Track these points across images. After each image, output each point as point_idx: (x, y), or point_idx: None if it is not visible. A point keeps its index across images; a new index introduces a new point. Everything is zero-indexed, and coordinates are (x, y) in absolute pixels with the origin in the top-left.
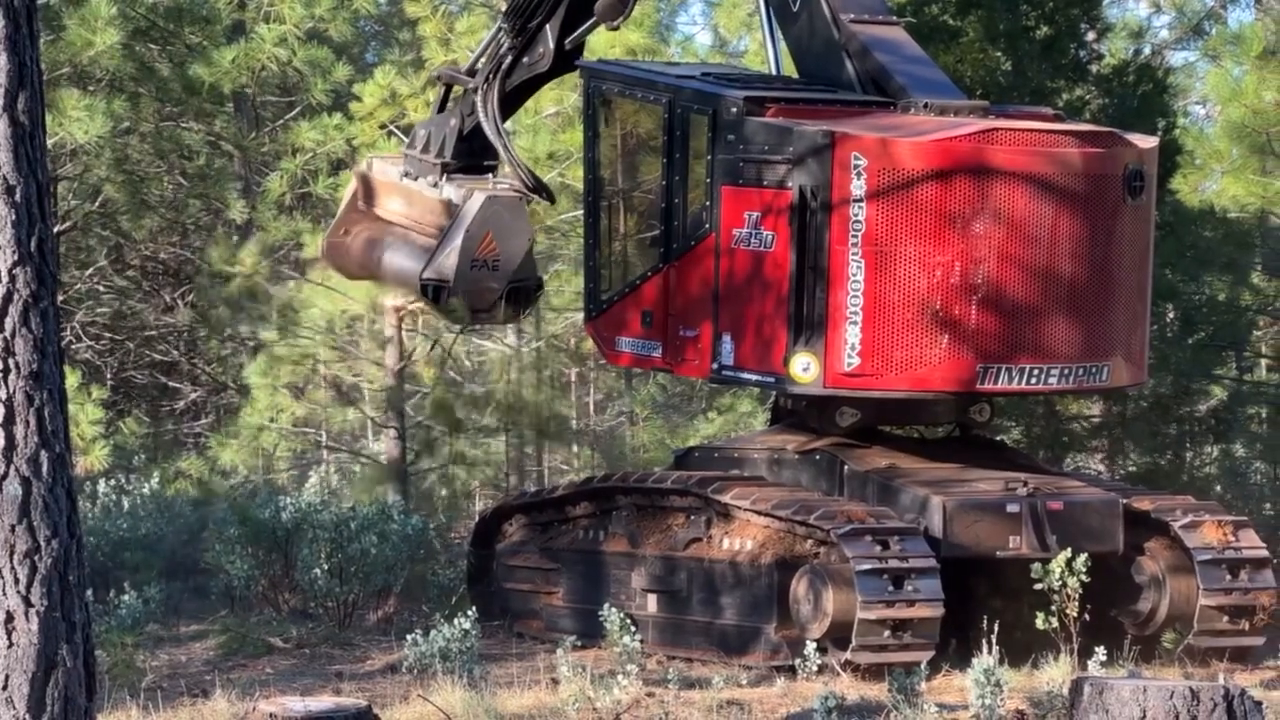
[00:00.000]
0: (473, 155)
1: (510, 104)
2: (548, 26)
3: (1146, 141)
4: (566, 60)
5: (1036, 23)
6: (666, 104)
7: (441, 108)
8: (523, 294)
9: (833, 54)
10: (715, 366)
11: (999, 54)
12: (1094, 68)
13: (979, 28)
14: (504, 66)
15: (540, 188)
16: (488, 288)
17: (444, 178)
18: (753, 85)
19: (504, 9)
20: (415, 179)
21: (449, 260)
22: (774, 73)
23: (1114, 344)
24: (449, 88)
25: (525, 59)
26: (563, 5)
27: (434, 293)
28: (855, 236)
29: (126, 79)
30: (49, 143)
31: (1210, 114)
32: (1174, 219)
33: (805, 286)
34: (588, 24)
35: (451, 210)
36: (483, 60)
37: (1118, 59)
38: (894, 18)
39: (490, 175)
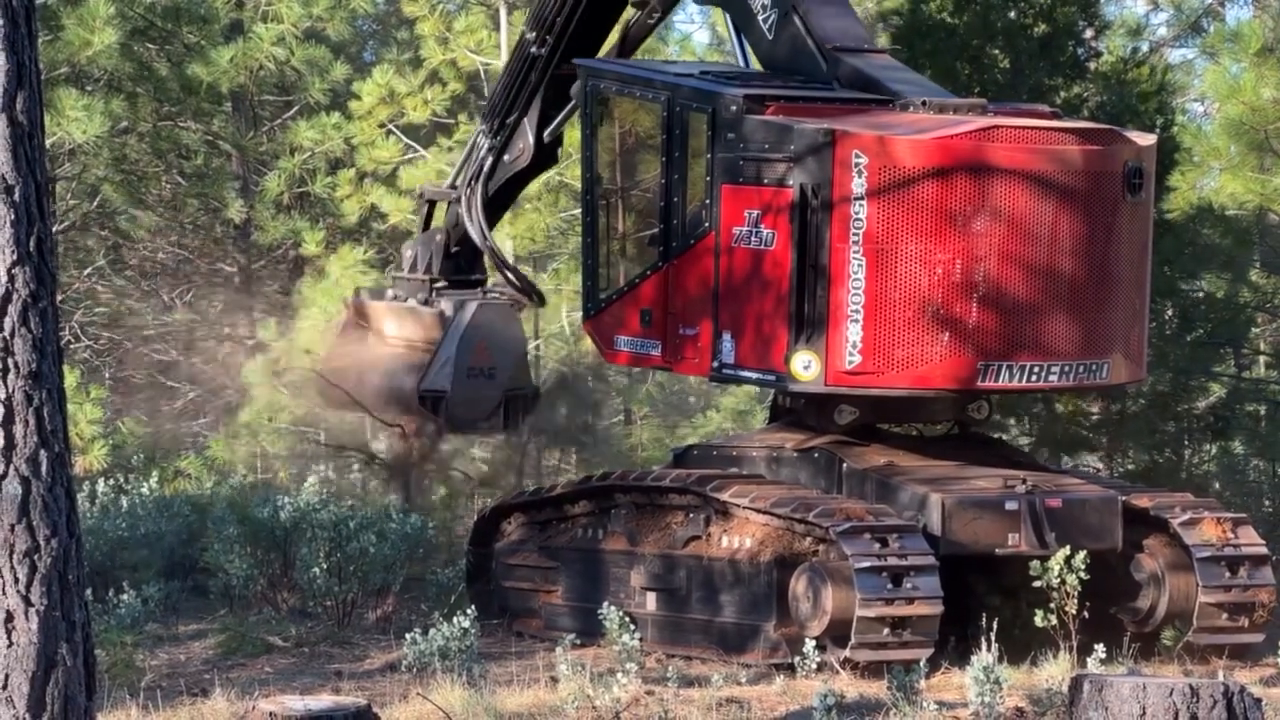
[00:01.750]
0: (460, 270)
1: (495, 208)
2: (525, 121)
3: (1145, 139)
4: (548, 153)
5: (1034, 20)
6: (665, 102)
7: (426, 226)
8: (519, 403)
9: (817, 74)
10: (715, 365)
11: (996, 51)
12: (1092, 65)
13: (976, 25)
14: (485, 169)
15: (530, 290)
16: (485, 396)
17: (434, 294)
18: (752, 83)
19: (481, 114)
20: (405, 299)
21: (445, 370)
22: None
23: (1113, 341)
24: (432, 205)
25: (506, 157)
26: (538, 98)
27: (432, 404)
28: (856, 234)
29: (124, 78)
30: (47, 142)
31: (1208, 111)
32: (1172, 216)
33: (806, 284)
34: (566, 110)
35: (444, 322)
36: (463, 170)
37: (1116, 56)
38: (880, 47)
39: (480, 289)
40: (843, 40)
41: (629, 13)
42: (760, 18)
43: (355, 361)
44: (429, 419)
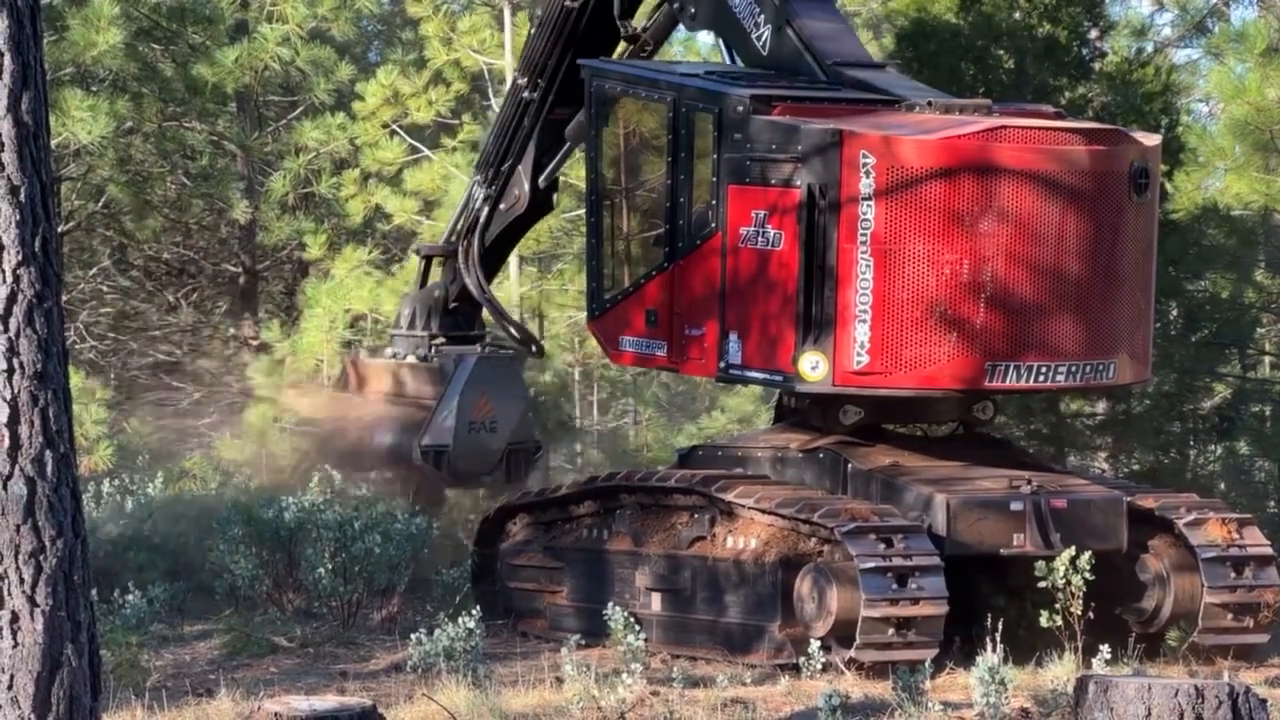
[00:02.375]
0: (459, 326)
1: (493, 259)
2: (520, 168)
3: (1151, 139)
4: (544, 199)
5: (1039, 20)
6: (671, 102)
7: (423, 282)
8: (522, 456)
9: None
10: (722, 365)
11: (1001, 52)
12: (1097, 65)
13: (981, 25)
14: (481, 220)
15: (530, 341)
16: (488, 450)
17: (433, 350)
18: (758, 83)
19: (474, 164)
20: (404, 356)
21: (446, 424)
22: None
23: (1119, 341)
24: (429, 262)
25: (502, 205)
26: (532, 143)
27: (434, 458)
28: (864, 235)
29: (130, 79)
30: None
31: (1213, 111)
32: (1177, 216)
33: (813, 285)
34: (560, 154)
35: (444, 378)
36: (459, 223)
37: (1121, 56)
38: (879, 61)
39: (480, 343)
40: (841, 55)
41: (621, 47)
42: (754, 35)
43: (355, 420)
44: (432, 474)
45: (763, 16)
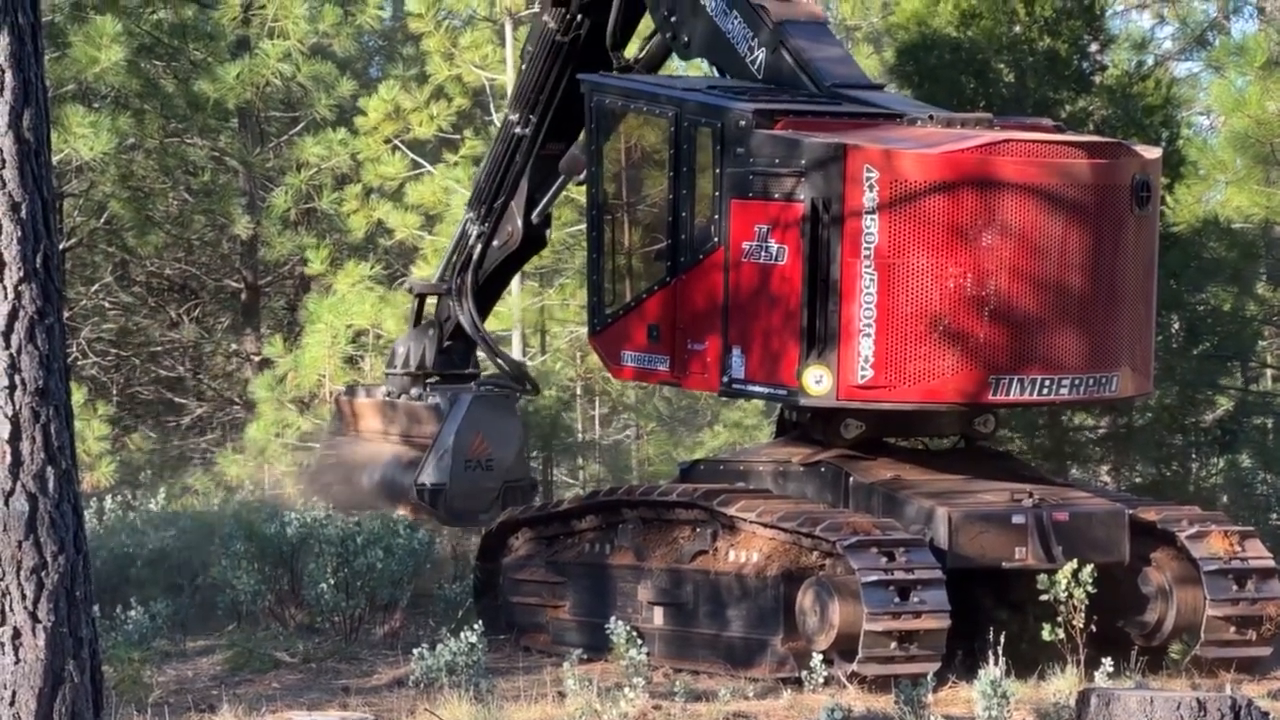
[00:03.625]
0: (453, 365)
1: (486, 296)
2: (513, 204)
3: (1152, 152)
4: (537, 235)
5: (1039, 34)
6: (673, 117)
7: (417, 321)
8: (518, 494)
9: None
10: (725, 380)
11: (1002, 65)
12: (1097, 79)
13: (981, 39)
14: (474, 257)
15: (524, 379)
16: (484, 488)
17: (427, 389)
18: (760, 98)
19: (467, 202)
20: (398, 395)
21: (442, 463)
22: None
23: (1122, 354)
24: (422, 300)
25: (495, 242)
26: (525, 179)
27: (430, 497)
28: (867, 249)
29: (131, 95)
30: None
31: (1214, 125)
32: (1179, 229)
33: (817, 299)
34: (553, 190)
35: (439, 416)
36: (452, 260)
37: (1121, 70)
38: (878, 82)
39: (474, 381)
40: (837, 77)
41: None
42: (749, 60)
43: (350, 460)
44: (428, 513)
45: (757, 41)
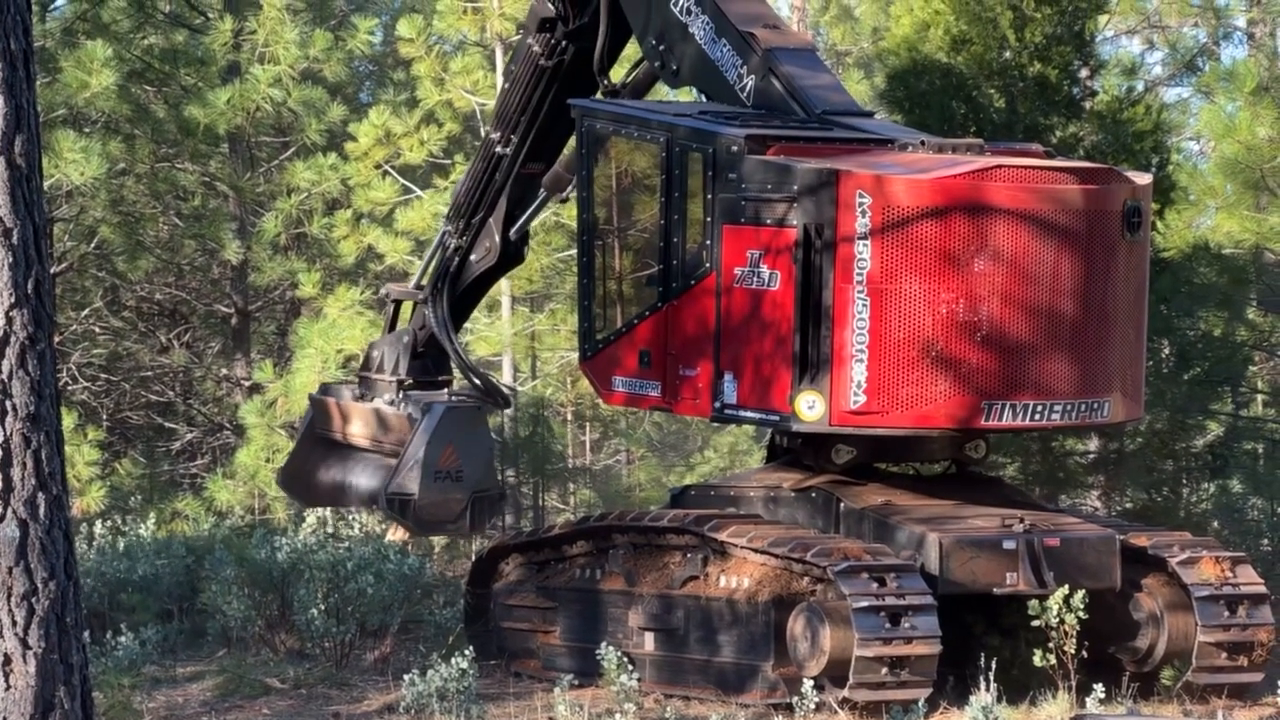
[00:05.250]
0: (426, 372)
1: (462, 308)
2: (491, 220)
3: (1142, 178)
4: (514, 252)
5: (1030, 59)
6: (664, 142)
7: (392, 327)
8: (487, 504)
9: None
10: (717, 405)
11: (992, 91)
12: (1088, 104)
13: (972, 65)
14: (451, 269)
15: (494, 393)
16: (452, 499)
17: (400, 394)
18: (751, 123)
19: (445, 213)
20: (370, 399)
21: (412, 473)
22: None
23: (1113, 380)
24: (398, 306)
25: (473, 257)
26: (504, 197)
27: (400, 507)
28: (859, 274)
29: (122, 120)
30: (45, 184)
31: (1204, 150)
32: (1169, 255)
33: (809, 324)
34: (533, 208)
35: (410, 424)
36: (430, 269)
37: (1111, 95)
38: (869, 109)
39: (446, 390)
40: (828, 104)
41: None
42: (737, 87)
43: (321, 461)
44: (396, 521)
45: (746, 68)
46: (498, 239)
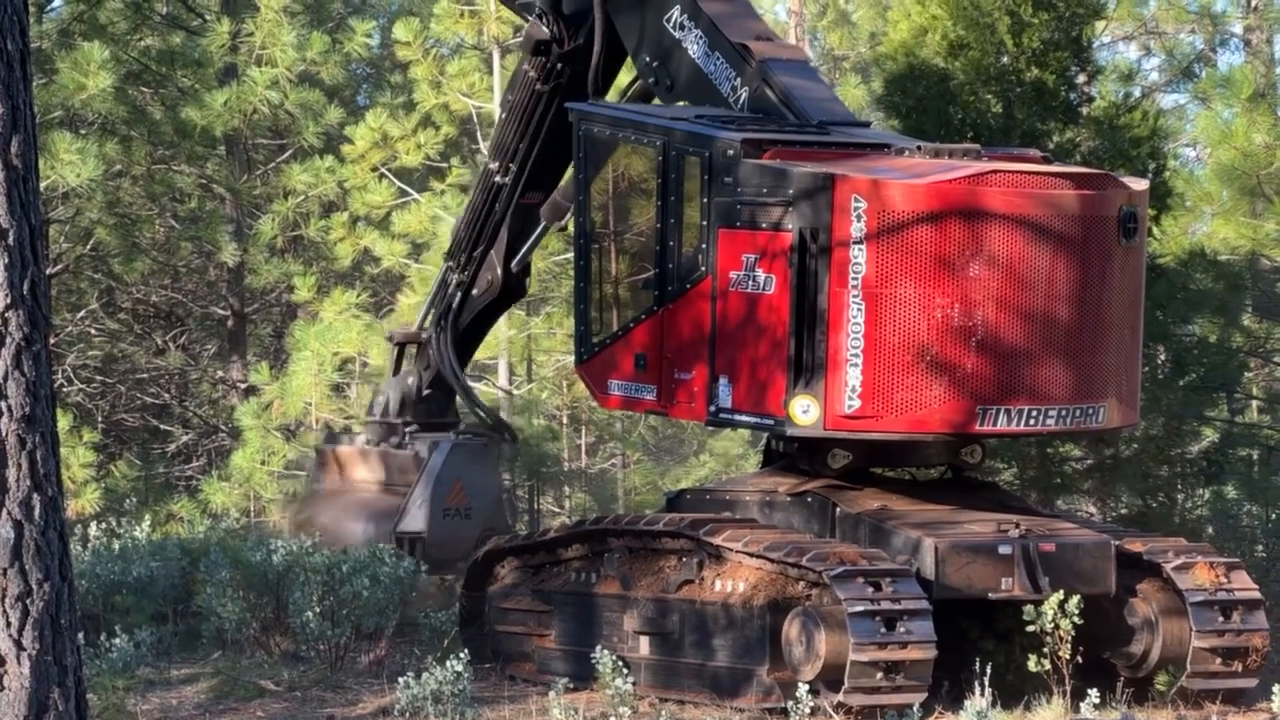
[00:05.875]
0: (432, 414)
1: (466, 344)
2: (492, 253)
3: (1139, 183)
4: (516, 283)
5: (1027, 65)
6: (660, 146)
7: (396, 369)
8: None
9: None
10: (712, 409)
11: (989, 96)
12: (1085, 110)
13: (969, 70)
14: (454, 305)
15: (503, 428)
16: (462, 536)
17: (407, 436)
18: (748, 127)
19: (445, 252)
20: (379, 444)
21: (421, 512)
22: None
23: (1108, 385)
24: (402, 349)
25: (474, 291)
26: (504, 228)
27: (409, 545)
28: (855, 279)
29: (119, 122)
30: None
31: (1201, 156)
32: (1165, 261)
33: (804, 329)
34: (533, 238)
35: (418, 463)
36: (432, 310)
37: (1108, 101)
38: (864, 119)
39: (452, 431)
40: (823, 114)
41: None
42: (731, 100)
43: (330, 510)
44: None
45: (740, 80)
46: (499, 271)
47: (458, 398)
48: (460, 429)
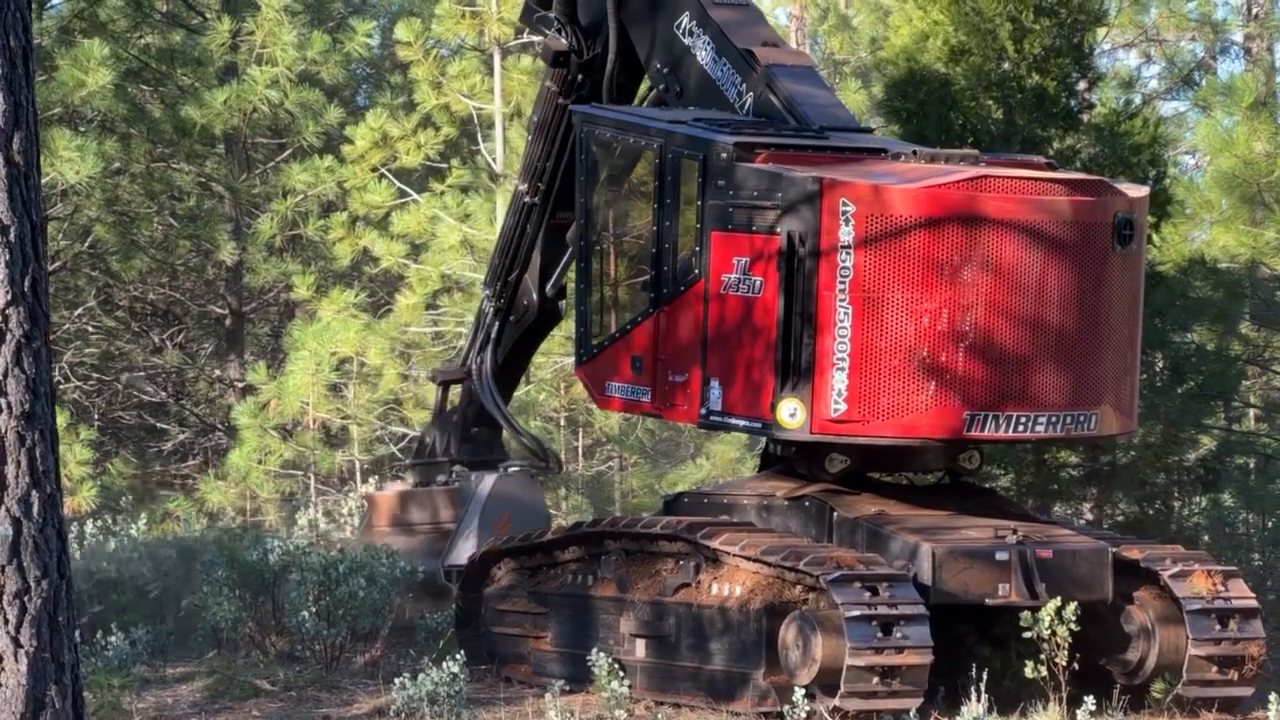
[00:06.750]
0: (478, 452)
1: (509, 375)
2: (527, 277)
3: (1137, 190)
4: (552, 307)
5: (1028, 71)
6: (658, 149)
7: (442, 409)
8: None
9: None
10: (703, 412)
11: (990, 102)
12: (1085, 117)
13: (970, 76)
14: (493, 335)
15: (547, 456)
16: None
17: (453, 475)
18: (743, 131)
19: (482, 282)
20: (426, 484)
21: (467, 544)
22: None
23: (1102, 392)
24: (446, 388)
25: (512, 318)
26: (537, 250)
27: (457, 579)
28: (843, 283)
29: (118, 119)
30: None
31: (1200, 164)
32: (1164, 268)
33: (793, 332)
34: (565, 260)
35: (465, 498)
36: (473, 344)
37: (1109, 108)
38: (867, 125)
39: (500, 467)
40: (826, 120)
41: None
42: (737, 105)
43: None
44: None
45: (745, 85)
46: (535, 296)
47: (504, 432)
48: (505, 464)
